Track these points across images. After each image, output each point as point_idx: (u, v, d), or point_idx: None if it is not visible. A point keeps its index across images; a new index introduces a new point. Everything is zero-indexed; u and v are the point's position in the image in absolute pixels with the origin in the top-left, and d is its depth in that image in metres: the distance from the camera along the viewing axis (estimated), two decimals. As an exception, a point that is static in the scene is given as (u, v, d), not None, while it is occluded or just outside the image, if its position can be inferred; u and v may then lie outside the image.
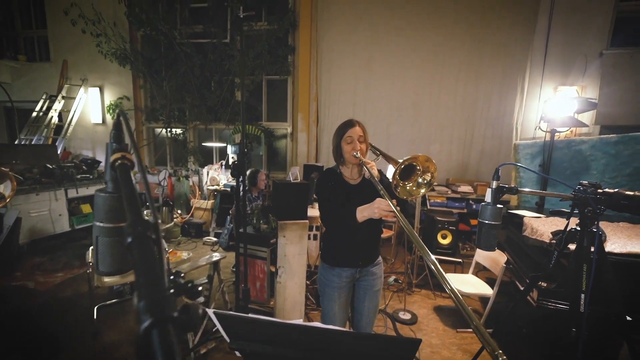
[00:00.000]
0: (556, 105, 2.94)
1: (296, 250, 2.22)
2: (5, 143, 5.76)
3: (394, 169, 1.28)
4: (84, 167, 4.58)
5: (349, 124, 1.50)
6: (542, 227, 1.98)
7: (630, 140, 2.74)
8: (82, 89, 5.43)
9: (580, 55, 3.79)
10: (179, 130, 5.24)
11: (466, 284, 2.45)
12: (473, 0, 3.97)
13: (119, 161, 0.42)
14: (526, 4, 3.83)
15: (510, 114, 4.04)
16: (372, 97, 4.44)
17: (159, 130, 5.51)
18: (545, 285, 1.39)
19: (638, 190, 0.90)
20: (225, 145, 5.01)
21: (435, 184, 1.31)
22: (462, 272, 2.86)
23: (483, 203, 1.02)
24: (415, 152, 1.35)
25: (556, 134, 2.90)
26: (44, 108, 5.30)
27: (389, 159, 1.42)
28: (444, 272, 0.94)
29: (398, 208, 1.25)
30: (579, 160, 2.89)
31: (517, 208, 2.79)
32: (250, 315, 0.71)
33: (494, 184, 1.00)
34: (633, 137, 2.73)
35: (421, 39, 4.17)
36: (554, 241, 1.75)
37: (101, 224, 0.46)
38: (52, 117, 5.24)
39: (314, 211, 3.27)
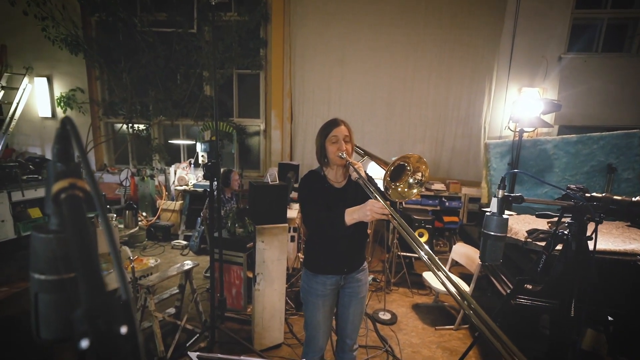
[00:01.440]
0: (524, 106, 3.08)
1: (275, 255, 2.12)
2: None
3: (383, 170, 1.22)
4: (30, 166, 4.09)
5: (333, 123, 1.42)
6: (516, 225, 2.05)
7: (588, 140, 2.94)
8: (26, 79, 4.84)
9: (542, 58, 4.01)
10: (142, 126, 4.85)
11: (443, 281, 2.50)
12: (444, 0, 4.04)
13: (66, 192, 0.30)
14: (494, 6, 3.97)
15: (479, 114, 4.19)
16: (346, 94, 4.39)
17: (119, 125, 5.08)
18: (531, 287, 1.43)
19: (598, 190, 0.92)
20: (193, 142, 4.72)
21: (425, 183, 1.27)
22: (439, 269, 2.91)
23: (488, 213, 0.98)
24: (389, 151, 1.32)
25: (524, 133, 3.04)
26: (-22, 99, 4.66)
27: (377, 160, 1.36)
28: (440, 264, 0.91)
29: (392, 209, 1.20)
30: (543, 159, 3.06)
31: (488, 205, 2.89)
32: (242, 358, 0.61)
33: (500, 194, 0.96)
34: (590, 137, 2.93)
35: (394, 36, 4.18)
36: (529, 239, 1.81)
37: (42, 277, 0.33)
38: (-12, 109, 4.63)
39: (291, 212, 3.17)
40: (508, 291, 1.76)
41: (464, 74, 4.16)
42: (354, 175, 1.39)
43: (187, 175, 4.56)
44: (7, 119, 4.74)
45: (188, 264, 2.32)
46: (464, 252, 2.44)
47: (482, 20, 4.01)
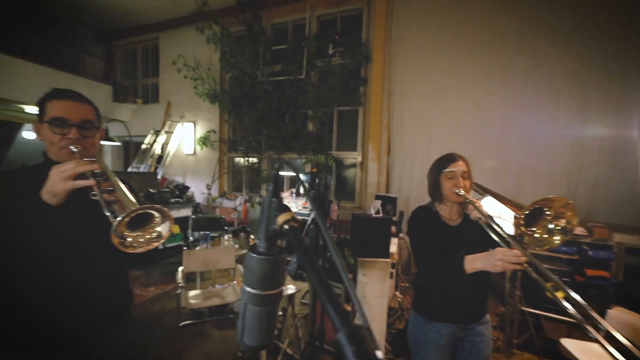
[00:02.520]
0: None
1: (377, 290, 2.04)
2: (121, 170, 6.93)
3: (513, 213, 1.07)
4: (176, 192, 5.18)
5: (450, 158, 1.35)
6: None
7: None
8: (179, 125, 6.31)
9: None
10: (254, 160, 5.63)
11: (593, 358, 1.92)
12: (576, 14, 3.52)
13: (288, 223, 0.37)
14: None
15: (633, 140, 3.32)
16: (449, 125, 4.15)
17: (237, 159, 6.01)
18: None
19: None
20: (296, 174, 5.16)
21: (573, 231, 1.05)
22: (583, 339, 2.27)
23: None
24: (505, 186, 1.15)
25: None
26: (151, 141, 6.27)
27: (504, 201, 1.21)
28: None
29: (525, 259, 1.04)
30: None
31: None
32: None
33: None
34: None
35: (508, 62, 3.82)
36: None
37: (253, 291, 0.41)
38: (155, 149, 6.17)
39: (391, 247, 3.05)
40: None
41: (608, 90, 3.42)
42: (475, 215, 1.26)
43: (289, 204, 4.98)
44: (165, 155, 6.22)
45: (291, 289, 2.45)
46: (627, 322, 1.85)
47: (631, 39, 3.28)
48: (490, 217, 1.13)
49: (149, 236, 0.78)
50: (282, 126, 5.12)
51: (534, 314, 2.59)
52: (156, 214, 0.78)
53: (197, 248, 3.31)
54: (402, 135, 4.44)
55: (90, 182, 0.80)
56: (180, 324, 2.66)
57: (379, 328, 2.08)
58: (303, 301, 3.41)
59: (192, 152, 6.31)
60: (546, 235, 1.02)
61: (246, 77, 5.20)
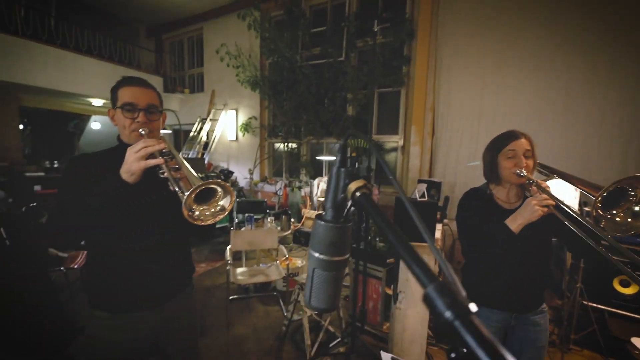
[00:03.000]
0: None
1: (421, 276, 2.00)
2: (172, 156, 7.47)
3: (591, 195, 0.96)
4: (222, 176, 5.48)
5: (511, 135, 1.24)
6: None
7: None
8: (223, 112, 6.59)
9: None
10: (294, 145, 5.72)
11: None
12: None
13: (360, 190, 0.38)
14: None
15: None
16: (502, 104, 3.81)
17: (277, 145, 6.15)
18: None
19: None
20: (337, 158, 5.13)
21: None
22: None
23: None
24: (568, 169, 1.05)
25: None
26: (198, 129, 6.65)
27: (576, 181, 1.09)
28: None
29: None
30: None
31: None
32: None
33: None
34: None
35: (579, 32, 3.36)
36: None
37: (321, 256, 0.42)
38: (202, 136, 6.53)
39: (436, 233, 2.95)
40: None
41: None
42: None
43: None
44: (211, 142, 6.57)
45: (333, 270, 2.51)
46: None
47: None
48: (558, 199, 1.03)
49: (213, 209, 0.83)
50: (321, 110, 5.10)
51: (597, 309, 2.37)
52: (219, 188, 0.83)
53: (242, 229, 3.50)
54: (448, 117, 4.18)
55: (160, 160, 0.88)
56: (230, 298, 2.87)
57: (421, 313, 2.05)
58: (344, 283, 3.47)
59: (235, 139, 6.58)
60: (630, 219, 0.91)
61: (286, 62, 5.22)
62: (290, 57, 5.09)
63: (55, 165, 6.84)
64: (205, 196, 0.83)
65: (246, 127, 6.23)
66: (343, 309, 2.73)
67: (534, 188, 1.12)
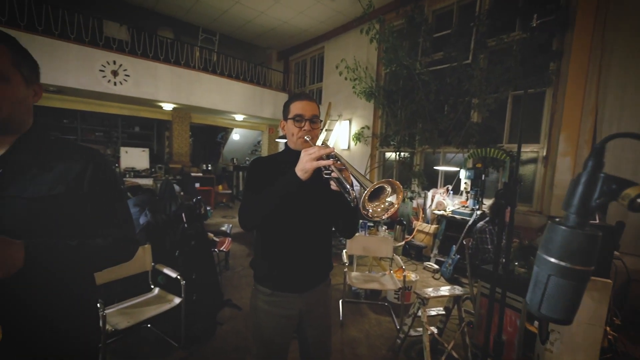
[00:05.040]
0: None
1: (587, 316, 1.61)
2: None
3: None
4: (335, 183, 5.78)
5: None
6: None
7: None
8: (337, 123, 7.00)
9: None
10: (406, 154, 5.55)
11: None
12: None
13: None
14: None
15: None
16: None
17: (388, 154, 6.10)
18: None
19: None
20: (456, 169, 4.72)
21: None
22: None
23: None
24: None
25: None
26: (315, 139, 7.26)
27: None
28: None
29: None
30: None
31: None
32: None
33: None
34: None
35: None
36: None
37: (561, 263, 0.40)
38: (318, 144, 7.09)
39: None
40: None
41: None
42: None
43: (444, 201, 4.64)
44: (325, 150, 7.05)
45: (459, 290, 2.29)
46: None
47: None
48: None
49: (383, 206, 0.89)
50: (440, 118, 4.80)
51: None
52: (387, 186, 0.88)
53: (356, 235, 3.59)
54: (619, 121, 3.27)
55: (329, 161, 1.00)
56: (345, 300, 2.98)
57: (586, 364, 1.64)
58: (465, 308, 3.12)
59: (347, 147, 6.87)
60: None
61: (404, 71, 5.14)
62: (409, 65, 5.00)
63: (209, 168, 8.67)
64: (373, 194, 0.89)
65: (358, 137, 6.42)
66: (467, 335, 2.45)
67: None
